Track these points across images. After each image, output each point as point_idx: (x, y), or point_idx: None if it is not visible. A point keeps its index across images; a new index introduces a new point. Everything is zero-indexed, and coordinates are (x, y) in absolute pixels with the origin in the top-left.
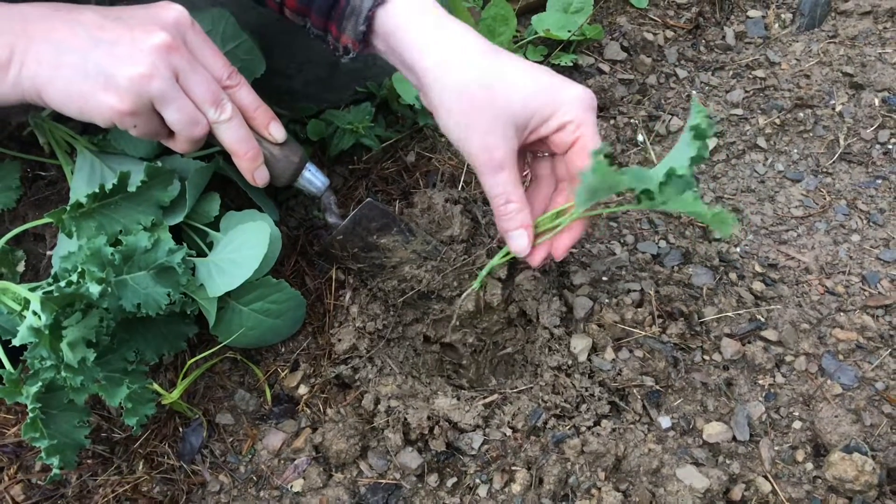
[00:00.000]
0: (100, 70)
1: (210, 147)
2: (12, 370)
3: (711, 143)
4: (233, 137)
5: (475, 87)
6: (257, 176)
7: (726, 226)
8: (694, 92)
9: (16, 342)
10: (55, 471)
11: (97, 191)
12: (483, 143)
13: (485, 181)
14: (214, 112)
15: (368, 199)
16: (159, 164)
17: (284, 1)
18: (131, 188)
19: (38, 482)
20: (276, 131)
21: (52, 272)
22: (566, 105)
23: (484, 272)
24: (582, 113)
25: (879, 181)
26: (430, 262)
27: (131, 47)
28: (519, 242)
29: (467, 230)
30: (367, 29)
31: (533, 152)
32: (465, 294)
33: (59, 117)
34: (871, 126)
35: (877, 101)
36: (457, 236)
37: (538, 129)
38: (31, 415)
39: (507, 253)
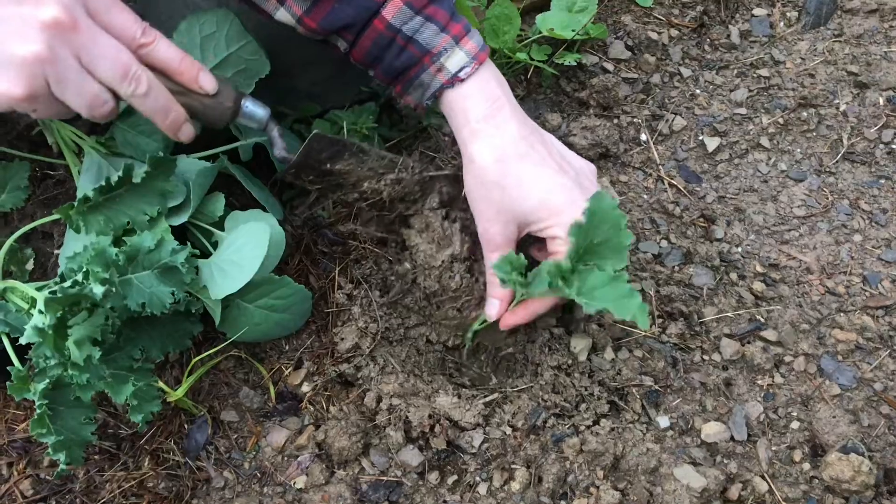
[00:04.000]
0: None
1: (213, 147)
2: (20, 367)
3: (714, 142)
4: (152, 108)
5: (493, 187)
6: (181, 135)
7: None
8: None
9: (22, 341)
10: (62, 466)
11: (103, 184)
12: (485, 228)
13: (484, 253)
14: (127, 86)
15: (315, 130)
16: (161, 153)
17: (351, 52)
18: (136, 179)
19: (47, 477)
20: (206, 82)
21: (59, 272)
22: (564, 224)
23: (470, 332)
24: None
25: (882, 181)
26: (388, 175)
27: (21, 24)
28: (490, 308)
29: (468, 248)
30: (434, 100)
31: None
32: (465, 349)
33: None
34: (876, 125)
35: (881, 101)
36: (458, 255)
37: (535, 229)
38: (38, 411)
39: (485, 320)
